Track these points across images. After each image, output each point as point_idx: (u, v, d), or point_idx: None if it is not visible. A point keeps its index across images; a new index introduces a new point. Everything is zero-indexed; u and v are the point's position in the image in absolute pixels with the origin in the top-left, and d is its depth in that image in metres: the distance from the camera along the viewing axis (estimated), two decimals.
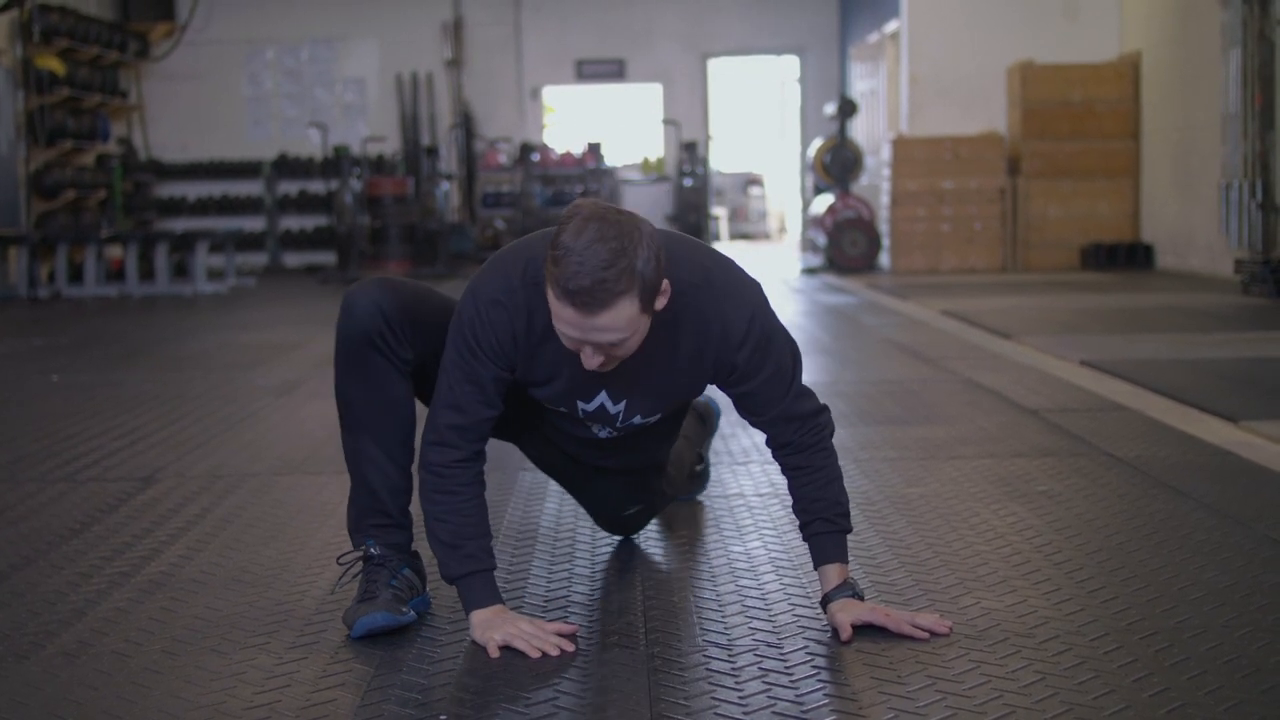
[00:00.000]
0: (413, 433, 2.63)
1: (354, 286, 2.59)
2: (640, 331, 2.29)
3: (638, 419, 2.59)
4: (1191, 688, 2.17)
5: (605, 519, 3.06)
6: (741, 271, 2.50)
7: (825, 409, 2.58)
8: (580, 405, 2.55)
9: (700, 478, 3.57)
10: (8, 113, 12.92)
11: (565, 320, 2.25)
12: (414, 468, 2.62)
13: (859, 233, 13.22)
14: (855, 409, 4.93)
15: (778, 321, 2.51)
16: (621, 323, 2.23)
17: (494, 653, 2.38)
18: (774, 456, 2.59)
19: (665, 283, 2.29)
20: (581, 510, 3.46)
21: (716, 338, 2.44)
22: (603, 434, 2.66)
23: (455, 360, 2.45)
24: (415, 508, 2.62)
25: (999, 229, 12.93)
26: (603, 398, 2.53)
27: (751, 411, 2.54)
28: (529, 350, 2.44)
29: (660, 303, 2.31)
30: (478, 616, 2.45)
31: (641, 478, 2.93)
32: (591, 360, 2.30)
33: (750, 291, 2.47)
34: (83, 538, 3.29)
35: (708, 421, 3.53)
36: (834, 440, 2.59)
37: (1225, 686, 2.18)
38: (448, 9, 16.70)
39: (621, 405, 2.55)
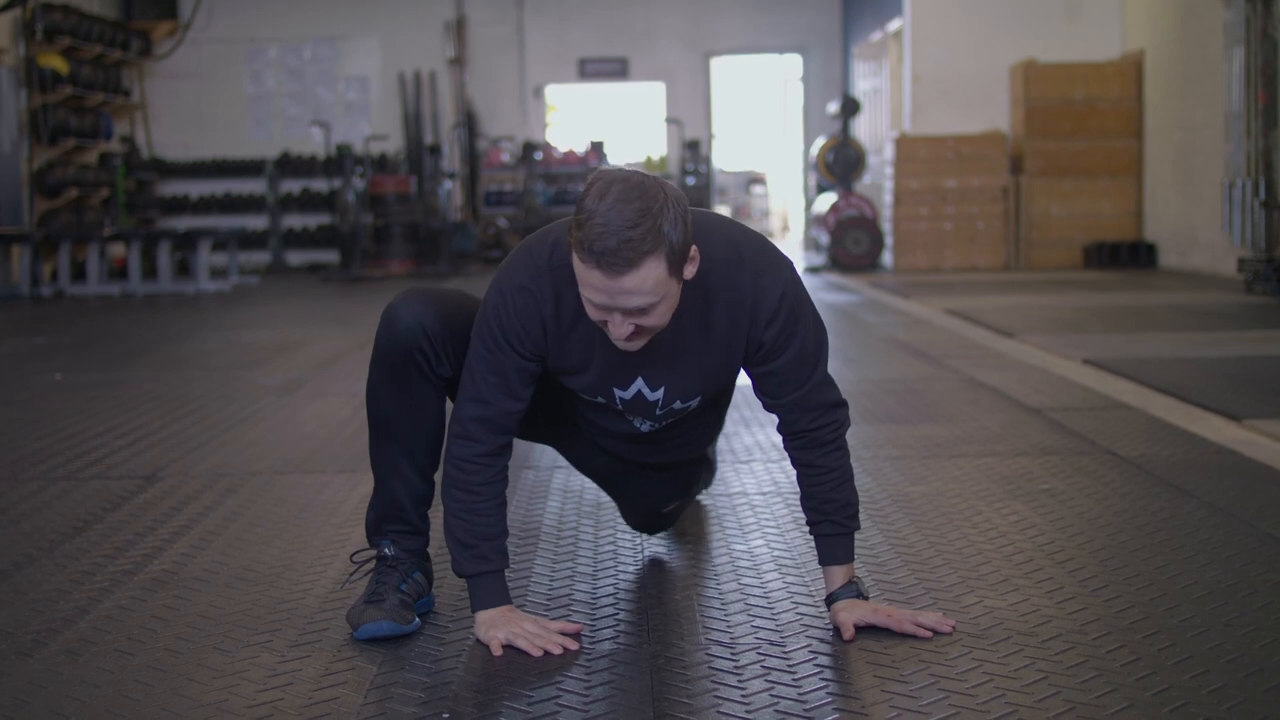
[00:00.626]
0: (441, 445, 2.60)
1: (397, 299, 2.54)
2: (670, 298, 2.24)
3: (677, 404, 2.53)
4: (1194, 686, 2.17)
5: (640, 517, 3.03)
6: (774, 248, 2.45)
7: (845, 404, 2.53)
8: (618, 393, 2.50)
9: (708, 477, 3.56)
10: (11, 111, 12.93)
11: (592, 285, 2.19)
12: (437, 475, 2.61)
13: (862, 231, 13.22)
14: (858, 407, 4.92)
15: (809, 302, 2.46)
16: (649, 285, 2.18)
17: (497, 651, 2.38)
18: (784, 445, 2.55)
19: (694, 249, 2.24)
20: (584, 509, 3.46)
21: (748, 312, 2.38)
22: (644, 427, 2.61)
23: (480, 352, 2.42)
24: (434, 511, 2.63)
25: (1001, 228, 12.93)
26: (639, 384, 2.48)
27: (769, 394, 2.49)
28: (559, 336, 2.41)
29: (689, 271, 2.26)
30: (483, 615, 2.45)
31: (683, 472, 2.90)
32: (620, 329, 2.23)
33: (783, 268, 2.42)
34: (85, 536, 3.29)
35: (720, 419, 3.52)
36: None
37: (1228, 685, 2.17)
38: (450, 8, 16.70)
39: (660, 392, 2.50)
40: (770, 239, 2.47)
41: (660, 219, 2.16)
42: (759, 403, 2.54)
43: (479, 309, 2.45)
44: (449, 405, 2.59)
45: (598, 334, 2.38)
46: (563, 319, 2.39)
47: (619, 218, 2.14)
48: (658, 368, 2.46)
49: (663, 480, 2.89)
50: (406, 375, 2.52)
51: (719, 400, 2.74)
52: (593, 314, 2.26)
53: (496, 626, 2.42)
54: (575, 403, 2.63)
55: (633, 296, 2.19)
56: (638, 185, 2.18)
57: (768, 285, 2.38)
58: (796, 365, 2.44)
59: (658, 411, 2.55)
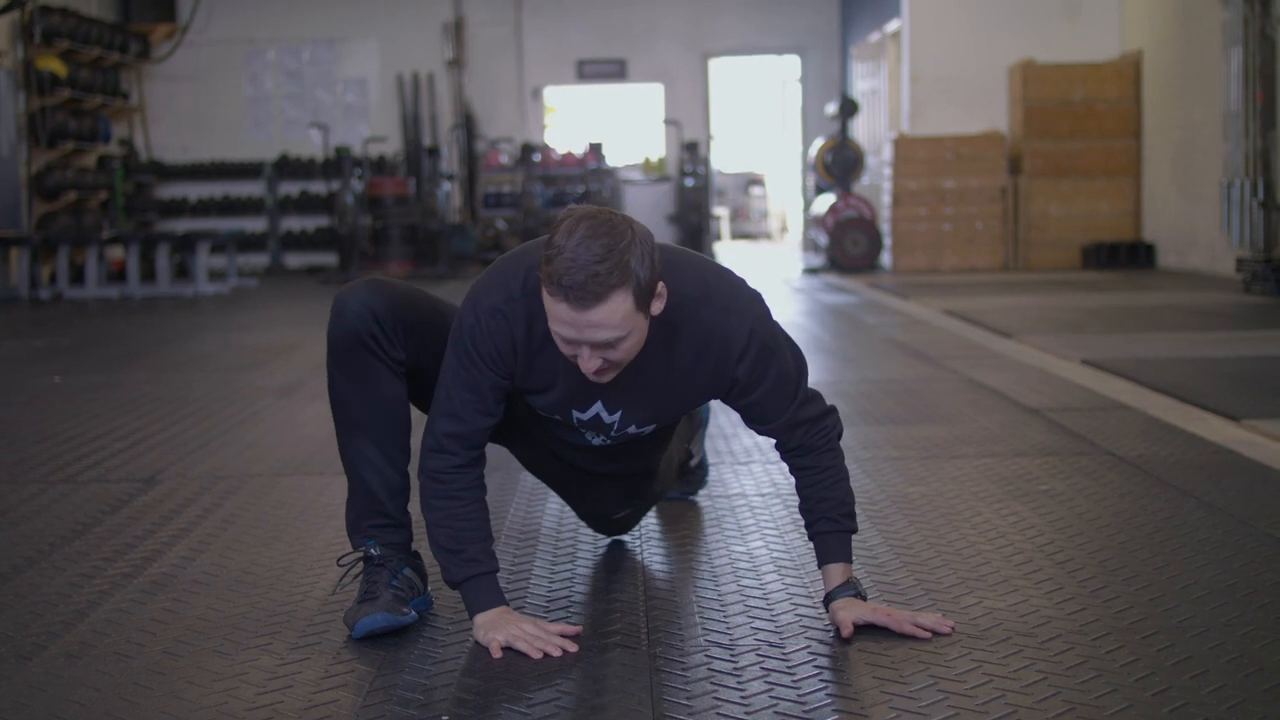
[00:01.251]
0: (408, 433, 2.63)
1: (344, 288, 2.59)
2: (637, 333, 2.28)
3: (632, 429, 2.58)
4: (1194, 686, 2.17)
5: (595, 521, 3.07)
6: (742, 284, 2.49)
7: (833, 410, 2.57)
8: (575, 414, 2.54)
9: (698, 475, 3.57)
10: (9, 114, 12.93)
11: (560, 319, 2.24)
12: (412, 469, 2.62)
13: (860, 232, 13.22)
14: (857, 408, 4.92)
15: (780, 332, 2.50)
16: (616, 319, 2.22)
17: (496, 654, 2.38)
18: (782, 458, 2.59)
19: (661, 285, 2.29)
20: None
21: (716, 351, 2.43)
22: (596, 441, 2.65)
23: (454, 368, 2.45)
24: (415, 507, 2.62)
25: (1000, 228, 12.94)
26: (598, 407, 2.52)
27: (758, 420, 2.53)
28: (528, 357, 2.44)
29: (657, 306, 2.30)
30: (481, 618, 2.46)
31: (634, 482, 2.92)
32: (589, 364, 2.28)
33: (751, 304, 2.46)
34: (85, 539, 3.29)
35: (694, 418, 3.53)
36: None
37: (1228, 685, 2.18)
38: (448, 9, 16.70)
39: (617, 415, 2.54)
40: (740, 276, 2.50)
41: (627, 255, 2.20)
42: (756, 432, 2.58)
43: (454, 323, 2.47)
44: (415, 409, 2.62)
45: (563, 359, 2.41)
46: (533, 342, 2.42)
47: (586, 253, 2.18)
48: (618, 395, 2.49)
49: (612, 488, 2.90)
50: (362, 361, 2.55)
51: (673, 424, 2.78)
52: (563, 348, 2.30)
53: (495, 629, 2.42)
54: (532, 412, 2.65)
55: (600, 330, 2.23)
56: (605, 222, 2.22)
57: (735, 323, 2.42)
58: (778, 392, 2.48)
59: (613, 433, 2.59)
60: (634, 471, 2.88)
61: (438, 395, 2.48)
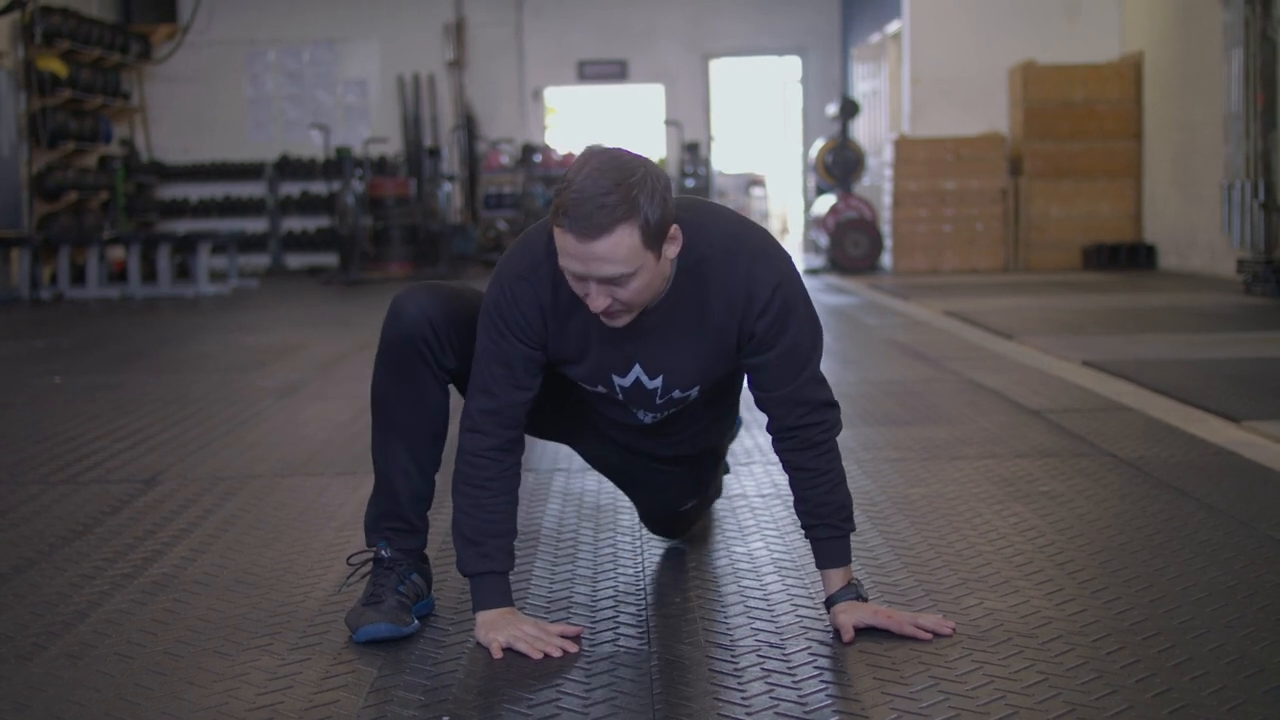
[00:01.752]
0: (443, 443, 2.63)
1: (403, 291, 2.58)
2: (646, 273, 2.27)
3: (676, 393, 2.54)
4: (1194, 688, 2.17)
5: (659, 515, 3.03)
6: (774, 241, 2.48)
7: (836, 406, 2.53)
8: (617, 381, 2.51)
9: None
10: (10, 115, 12.93)
11: (567, 252, 2.24)
12: (439, 477, 2.63)
13: (861, 233, 13.23)
14: (857, 409, 4.92)
15: (806, 299, 2.48)
16: (621, 253, 2.22)
17: (497, 654, 2.38)
18: (774, 446, 2.54)
19: (675, 229, 2.29)
20: (584, 511, 3.46)
21: (742, 302, 2.41)
22: (647, 419, 2.62)
23: (485, 345, 2.45)
24: (434, 514, 2.63)
25: (1001, 229, 12.94)
26: (637, 371, 2.49)
27: (760, 387, 2.50)
28: (558, 322, 2.43)
29: (671, 250, 2.31)
30: (483, 617, 2.46)
31: (696, 468, 2.90)
32: (597, 301, 2.27)
33: (780, 261, 2.45)
34: (85, 540, 3.29)
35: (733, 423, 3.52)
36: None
37: (1228, 687, 2.18)
38: (449, 10, 16.70)
39: (659, 380, 2.51)
40: (771, 234, 2.50)
41: (636, 190, 2.21)
42: (755, 403, 2.55)
43: (483, 302, 2.47)
44: (454, 407, 2.61)
45: (594, 322, 2.40)
46: (560, 306, 2.42)
47: (594, 185, 2.20)
48: (654, 355, 2.48)
49: (676, 475, 2.88)
50: (411, 366, 2.54)
51: (724, 394, 2.74)
52: (573, 285, 2.31)
53: (497, 629, 2.42)
54: (581, 397, 2.64)
55: (605, 264, 2.23)
56: (616, 158, 2.25)
57: (762, 276, 2.41)
58: (788, 360, 2.45)
59: (657, 401, 2.56)
60: (694, 455, 2.85)
61: (472, 377, 2.48)
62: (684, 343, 2.46)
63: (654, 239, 2.25)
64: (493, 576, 2.47)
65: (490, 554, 2.46)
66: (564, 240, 2.24)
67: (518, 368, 2.45)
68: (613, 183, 2.20)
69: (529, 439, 2.71)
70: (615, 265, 2.23)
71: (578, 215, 2.20)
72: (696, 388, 2.55)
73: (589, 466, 3.13)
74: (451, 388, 2.62)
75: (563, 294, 2.40)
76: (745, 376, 2.56)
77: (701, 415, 2.71)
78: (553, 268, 2.38)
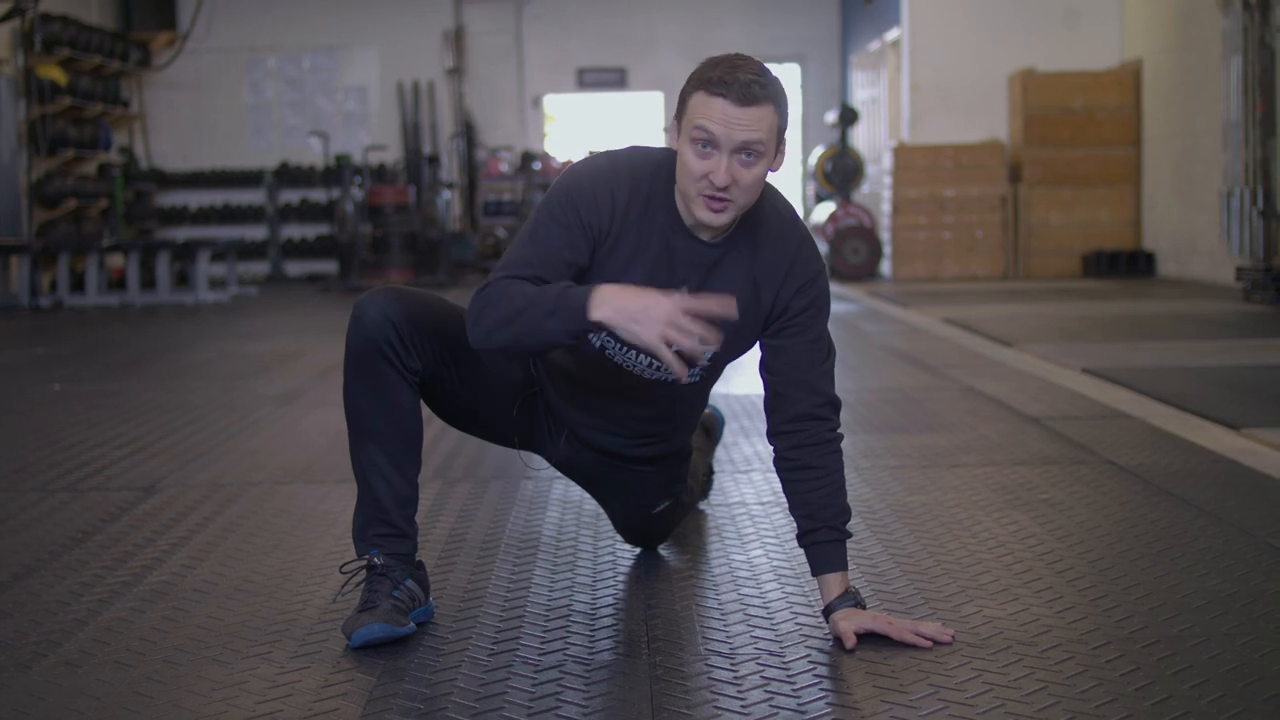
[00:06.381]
0: (420, 443, 2.63)
1: (364, 296, 2.60)
2: (765, 163, 2.38)
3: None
4: (1194, 696, 2.17)
5: (632, 521, 3.03)
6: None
7: (840, 407, 2.58)
8: None
9: (706, 484, 3.56)
10: (10, 122, 12.94)
11: (712, 117, 2.34)
12: (421, 480, 2.63)
13: (860, 241, 13.23)
14: (857, 417, 4.92)
15: (829, 305, 2.61)
16: (765, 125, 2.35)
17: (674, 350, 2.28)
18: (778, 445, 2.55)
19: (782, 153, 2.43)
20: (583, 519, 3.46)
21: (783, 274, 2.51)
22: (647, 374, 2.59)
23: (527, 229, 2.46)
24: (421, 517, 2.63)
25: (1000, 236, 12.94)
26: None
27: (779, 371, 2.54)
28: (623, 222, 2.47)
29: (778, 163, 2.43)
30: (600, 295, 2.29)
31: (669, 467, 2.91)
32: (722, 175, 2.34)
33: (821, 258, 2.60)
34: (85, 547, 3.29)
35: (713, 433, 3.53)
36: None
37: (1228, 695, 2.18)
38: (449, 17, 16.72)
39: None
40: None
41: (779, 86, 2.39)
42: (759, 406, 2.55)
43: (548, 192, 2.51)
44: (428, 414, 2.64)
45: (645, 252, 2.46)
46: (629, 219, 2.48)
47: (748, 65, 2.36)
48: (698, 283, 2.49)
49: (647, 475, 2.89)
50: (378, 370, 2.56)
51: (710, 381, 2.76)
52: (695, 161, 2.37)
53: (636, 316, 2.26)
54: (572, 364, 2.65)
55: (751, 130, 2.34)
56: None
57: (808, 258, 2.56)
58: (809, 351, 2.54)
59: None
60: (669, 453, 2.87)
61: (504, 254, 2.49)
62: (732, 274, 2.51)
63: (780, 135, 2.40)
64: (569, 288, 2.34)
65: (547, 290, 2.35)
66: (711, 105, 2.33)
67: (554, 258, 2.43)
68: (762, 69, 2.37)
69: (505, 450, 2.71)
70: (757, 133, 2.35)
71: (735, 82, 2.32)
72: (713, 350, 2.46)
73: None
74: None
75: (635, 202, 2.46)
76: (759, 359, 2.60)
77: (690, 398, 2.74)
78: (634, 174, 2.47)
